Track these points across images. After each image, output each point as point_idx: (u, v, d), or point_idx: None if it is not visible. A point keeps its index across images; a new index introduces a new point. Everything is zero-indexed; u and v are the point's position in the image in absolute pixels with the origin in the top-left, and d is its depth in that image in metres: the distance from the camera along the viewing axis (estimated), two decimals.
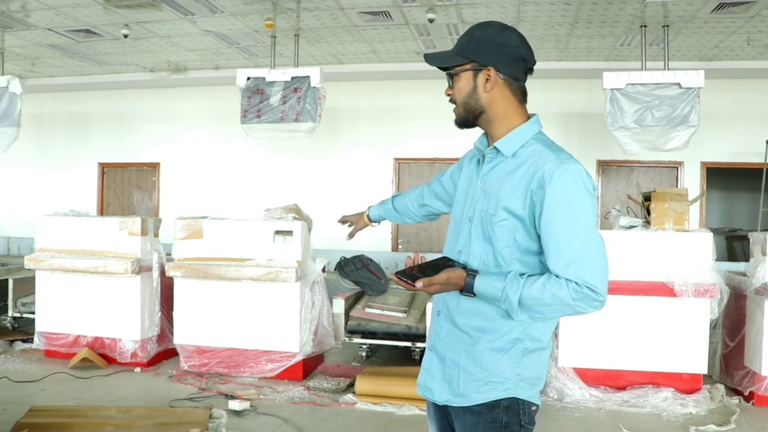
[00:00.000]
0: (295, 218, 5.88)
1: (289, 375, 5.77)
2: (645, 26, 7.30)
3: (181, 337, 5.99)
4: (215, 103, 10.51)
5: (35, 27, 8.21)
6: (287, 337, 5.69)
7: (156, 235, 6.31)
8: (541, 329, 1.89)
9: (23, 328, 7.53)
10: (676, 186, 9.29)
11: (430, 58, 2.01)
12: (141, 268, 6.00)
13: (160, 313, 6.26)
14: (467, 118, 1.97)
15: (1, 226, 11.86)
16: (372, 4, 7.09)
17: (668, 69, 7.03)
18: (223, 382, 5.67)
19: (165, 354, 6.40)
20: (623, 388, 5.34)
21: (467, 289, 1.81)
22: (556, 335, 5.57)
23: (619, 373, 5.41)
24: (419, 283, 1.77)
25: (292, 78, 7.63)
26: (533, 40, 8.09)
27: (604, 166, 9.50)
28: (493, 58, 1.90)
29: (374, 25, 7.81)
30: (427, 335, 2.45)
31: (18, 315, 7.29)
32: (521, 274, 1.79)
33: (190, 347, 5.96)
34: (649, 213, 5.67)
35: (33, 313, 6.88)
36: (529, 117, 1.95)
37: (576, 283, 1.72)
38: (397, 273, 1.81)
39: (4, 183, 12.03)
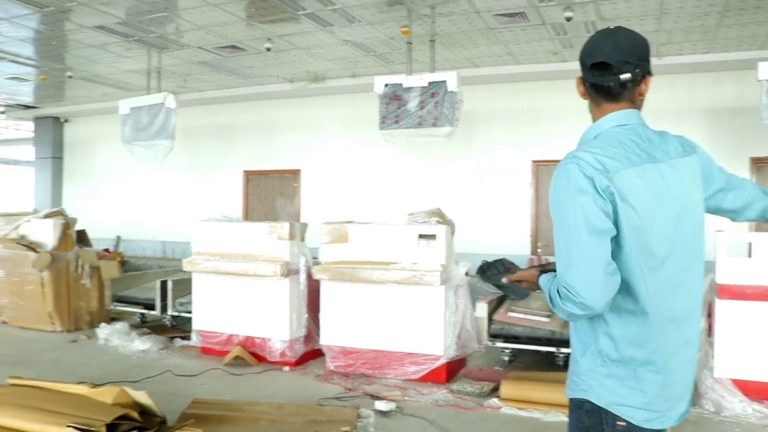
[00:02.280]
0: (438, 222, 5.93)
1: (432, 378, 5.81)
2: None
3: (327, 338, 6.18)
4: (353, 110, 10.79)
5: (188, 46, 8.78)
6: (431, 340, 5.74)
7: (303, 239, 6.54)
8: (609, 339, 1.86)
9: (180, 326, 8.05)
10: None
11: None
12: (289, 271, 6.25)
13: (306, 315, 6.48)
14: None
15: (159, 232, 12.74)
16: (508, 5, 7.04)
17: None
18: (368, 383, 5.80)
19: (311, 354, 6.62)
20: None
21: (539, 286, 1.96)
22: (710, 344, 5.29)
23: None
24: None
25: (429, 83, 7.70)
26: (677, 33, 7.74)
27: (759, 164, 8.92)
28: (581, 67, 1.97)
29: (510, 27, 7.75)
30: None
31: (176, 314, 7.79)
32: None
33: (336, 348, 6.14)
34: None
35: (189, 312, 7.32)
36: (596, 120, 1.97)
37: (559, 282, 1.78)
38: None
39: (159, 192, 12.92)
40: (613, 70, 1.88)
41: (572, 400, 1.94)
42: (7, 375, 5.09)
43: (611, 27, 1.95)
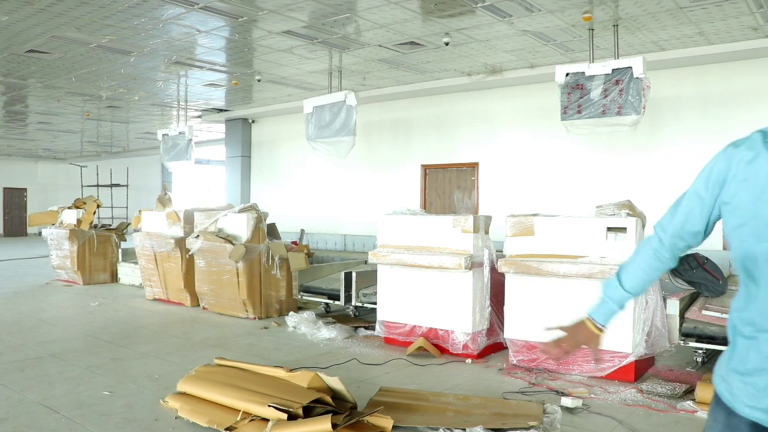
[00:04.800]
0: (628, 215, 5.66)
1: (619, 376, 5.57)
2: None
3: (511, 332, 6.10)
4: (530, 101, 10.59)
5: (368, 45, 9.02)
6: (620, 336, 5.49)
7: (486, 232, 6.51)
8: None
9: (363, 316, 8.30)
10: None
11: None
12: (473, 264, 6.23)
13: (489, 308, 6.44)
14: None
15: (340, 225, 13.23)
16: None
17: None
18: (552, 379, 5.66)
19: (493, 347, 6.58)
20: None
21: None
22: None
23: None
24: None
25: (613, 70, 7.39)
26: None
27: None
28: None
29: (703, 4, 7.22)
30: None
31: (359, 305, 8.04)
32: None
33: (519, 342, 6.04)
34: None
35: (372, 303, 7.53)
36: None
37: None
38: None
39: (340, 186, 13.41)
40: None
41: None
42: (212, 356, 5.50)
43: None
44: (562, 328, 2.10)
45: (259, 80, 11.29)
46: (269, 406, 4.06)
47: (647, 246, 2.04)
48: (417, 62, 9.96)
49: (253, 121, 15.69)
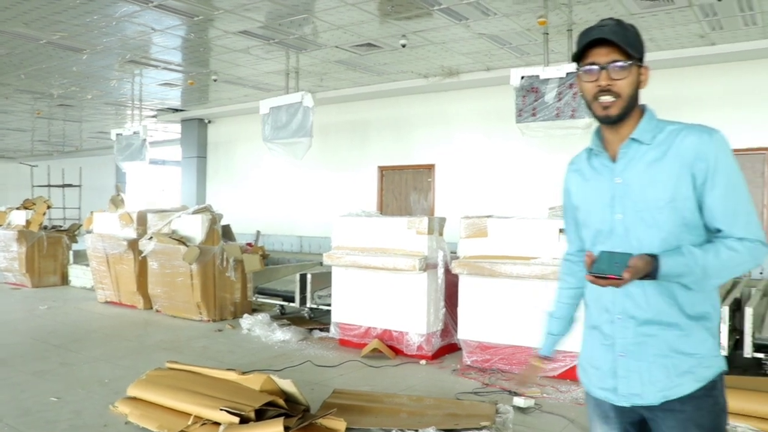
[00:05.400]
0: None
1: (571, 375, 5.64)
2: None
3: (464, 333, 6.15)
4: (486, 104, 10.67)
5: (325, 46, 8.99)
6: (571, 337, 5.57)
7: (441, 233, 6.55)
8: (718, 298, 1.98)
9: (318, 318, 8.28)
10: None
11: (621, 42, 1.89)
12: (427, 266, 6.26)
13: (444, 309, 6.48)
14: (626, 113, 1.94)
15: (296, 227, 13.17)
16: None
17: None
18: (505, 379, 5.72)
19: (447, 348, 6.62)
20: None
21: (652, 273, 1.79)
22: None
23: None
24: (627, 274, 1.74)
25: (567, 74, 7.48)
26: None
27: None
28: (642, 54, 1.95)
29: (653, 11, 7.38)
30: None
31: (314, 306, 8.01)
32: (694, 246, 1.84)
33: (473, 343, 6.09)
34: None
35: (327, 305, 7.52)
36: (640, 107, 1.99)
37: (749, 240, 1.83)
38: (591, 272, 1.79)
39: (296, 188, 13.35)
40: None
41: (704, 386, 1.89)
42: (164, 359, 5.42)
43: None
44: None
45: (215, 80, 11.18)
46: (221, 409, 4.02)
47: (560, 281, 2.36)
48: (374, 64, 9.97)
49: (209, 122, 15.52)
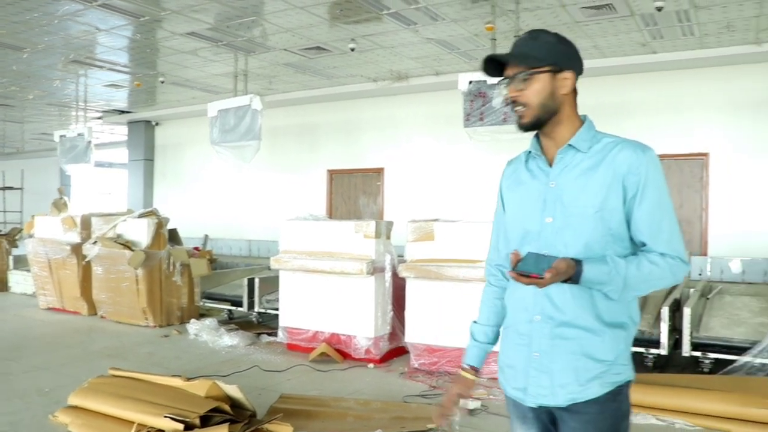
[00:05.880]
0: None
1: None
2: None
3: (412, 336, 6.19)
4: (435, 108, 10.76)
5: (273, 49, 8.95)
6: None
7: (388, 237, 6.57)
8: (637, 310, 2.03)
9: (267, 323, 8.22)
10: None
11: (513, 56, 1.96)
12: (375, 269, 6.28)
13: (391, 313, 6.51)
14: (542, 120, 1.96)
15: (245, 230, 13.04)
16: None
17: None
18: (452, 381, 5.76)
19: (396, 352, 6.65)
20: None
21: (574, 277, 1.82)
22: None
23: None
24: (548, 274, 1.77)
25: None
26: None
27: None
28: (571, 62, 1.98)
29: (597, 20, 7.56)
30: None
31: (263, 311, 7.96)
32: (619, 257, 1.88)
33: (420, 346, 6.13)
34: None
35: (276, 309, 7.47)
36: (580, 117, 2.03)
37: (670, 255, 1.88)
38: (515, 270, 1.82)
39: (245, 191, 13.23)
40: None
41: (611, 392, 1.93)
42: (106, 366, 5.31)
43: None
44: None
45: (162, 82, 11.01)
46: (165, 416, 3.97)
47: (485, 288, 2.35)
48: (323, 67, 9.96)
49: (156, 124, 15.27)
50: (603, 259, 1.86)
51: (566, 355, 1.93)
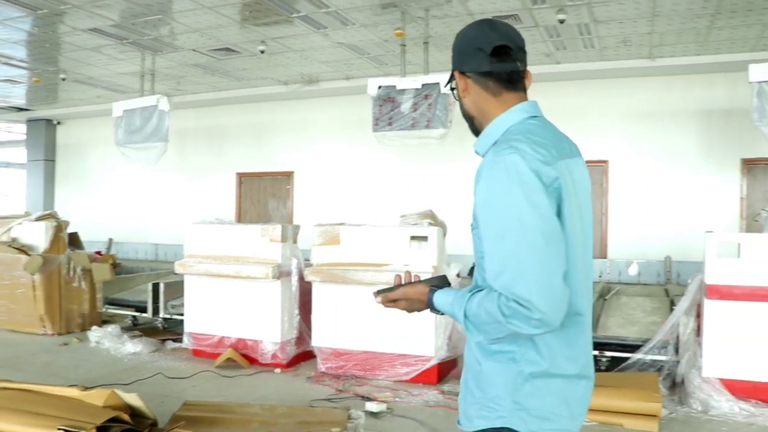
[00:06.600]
0: (430, 224, 5.94)
1: (423, 379, 5.82)
2: None
3: (318, 340, 6.19)
4: (346, 112, 10.80)
5: (182, 49, 8.78)
6: (422, 341, 5.75)
7: (295, 241, 6.55)
8: (543, 349, 1.61)
9: (172, 329, 8.04)
10: None
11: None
12: (281, 273, 6.25)
13: (298, 317, 6.49)
14: (470, 128, 1.84)
15: (151, 234, 12.70)
16: (502, 8, 7.06)
17: None
18: (359, 384, 5.81)
19: (303, 356, 6.62)
20: None
21: (430, 305, 1.71)
22: (699, 343, 5.32)
23: None
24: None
25: (423, 85, 7.69)
26: (670, 36, 7.77)
27: (749, 165, 8.92)
28: (456, 61, 1.79)
29: None
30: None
31: (168, 316, 7.78)
32: (472, 289, 1.63)
33: (327, 350, 6.14)
34: None
35: (181, 314, 7.31)
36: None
37: (505, 296, 1.49)
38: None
39: (152, 194, 12.89)
40: (512, 56, 1.73)
41: (493, 428, 1.65)
42: None
43: (478, 20, 1.81)
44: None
45: (63, 79, 10.58)
46: (59, 429, 3.82)
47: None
48: (233, 69, 9.84)
49: (58, 123, 14.67)
50: (456, 289, 1.70)
51: (465, 380, 1.78)
